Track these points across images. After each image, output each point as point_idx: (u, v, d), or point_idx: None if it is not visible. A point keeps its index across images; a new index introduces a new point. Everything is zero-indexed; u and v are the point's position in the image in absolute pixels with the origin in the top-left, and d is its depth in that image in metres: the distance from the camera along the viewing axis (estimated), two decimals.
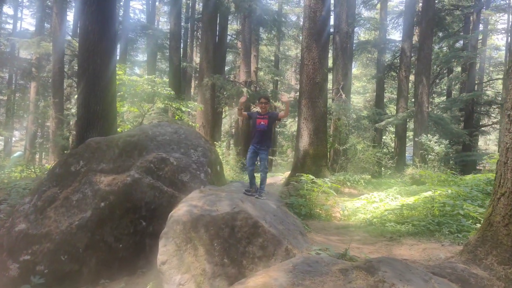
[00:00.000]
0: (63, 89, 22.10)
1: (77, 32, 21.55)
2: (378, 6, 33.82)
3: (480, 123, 34.73)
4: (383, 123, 23.74)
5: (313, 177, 9.12)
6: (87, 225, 5.19)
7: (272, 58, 37.88)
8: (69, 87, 27.23)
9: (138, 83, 12.35)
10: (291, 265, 3.54)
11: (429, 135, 20.85)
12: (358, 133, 18.03)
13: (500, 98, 34.32)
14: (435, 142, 20.11)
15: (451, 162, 24.14)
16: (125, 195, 5.41)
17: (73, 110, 21.51)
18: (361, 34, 38.62)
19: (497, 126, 34.23)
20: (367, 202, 8.81)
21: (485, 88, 36.09)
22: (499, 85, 39.53)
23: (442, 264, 3.46)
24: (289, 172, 15.27)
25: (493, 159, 14.81)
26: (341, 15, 20.12)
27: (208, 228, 4.22)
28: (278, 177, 15.91)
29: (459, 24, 33.04)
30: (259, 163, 5.74)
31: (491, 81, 38.84)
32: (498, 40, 42.22)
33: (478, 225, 5.98)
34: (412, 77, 29.09)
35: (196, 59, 40.72)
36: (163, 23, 45.82)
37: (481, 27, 31.70)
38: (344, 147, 15.04)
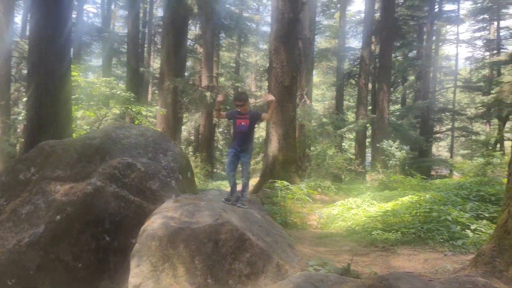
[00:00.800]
0: (10, 92, 20.51)
1: (25, 34, 20.15)
2: (337, 15, 34.34)
3: (434, 130, 35.84)
4: (344, 129, 23.84)
5: (288, 183, 8.68)
6: (39, 242, 4.43)
7: (233, 64, 37.44)
8: (17, 92, 25.46)
9: (95, 85, 11.47)
10: (291, 286, 3.01)
11: (390, 141, 21.09)
12: (322, 139, 17.83)
13: (451, 106, 35.72)
14: (396, 148, 20.35)
15: (406, 167, 24.50)
16: (86, 206, 4.69)
17: (22, 116, 20.00)
18: (321, 42, 39.04)
19: (449, 133, 35.60)
20: (344, 209, 8.45)
21: (437, 96, 37.35)
22: (450, 94, 41.07)
23: (459, 279, 3.06)
24: (256, 179, 14.79)
25: (459, 164, 15.03)
26: (304, 21, 19.99)
27: (188, 244, 3.62)
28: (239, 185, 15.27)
29: (413, 34, 34.04)
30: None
31: (442, 90, 40.29)
32: (448, 50, 44.05)
33: (468, 232, 5.73)
34: (370, 85, 29.59)
35: (154, 64, 39.68)
36: (119, 28, 44.28)
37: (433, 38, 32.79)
38: (314, 153, 14.75)
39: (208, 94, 16.82)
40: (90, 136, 5.29)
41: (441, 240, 5.42)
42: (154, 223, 3.78)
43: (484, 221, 6.21)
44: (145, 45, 34.78)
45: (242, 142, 5.05)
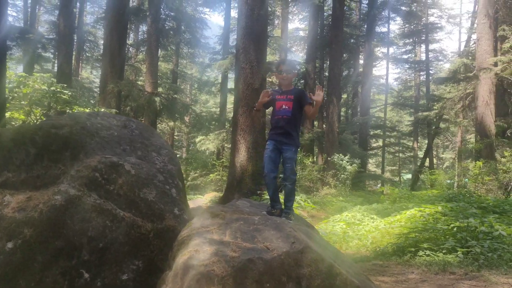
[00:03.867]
0: None
1: None
2: (276, 32, 34.23)
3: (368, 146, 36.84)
4: None
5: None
6: None
7: (169, 75, 35.62)
8: None
9: (29, 80, 9.38)
10: None
11: (340, 154, 20.71)
12: None
13: (382, 123, 37.15)
14: (347, 162, 20.00)
15: (347, 182, 24.22)
16: (53, 227, 3.05)
17: None
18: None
19: (381, 149, 37.09)
20: (345, 225, 7.28)
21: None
22: (379, 113, 42.65)
23: None
24: (212, 194, 13.33)
25: (434, 176, 14.69)
26: None
27: (262, 286, 2.19)
28: (197, 200, 13.65)
29: (347, 53, 35.05)
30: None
31: (374, 108, 41.81)
32: (376, 71, 46.08)
33: None
34: None
35: (83, 74, 36.78)
36: (44, 32, 40.55)
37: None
38: None
39: (158, 99, 15.07)
40: (56, 123, 3.60)
41: None
42: (199, 253, 2.28)
43: None
44: (74, 52, 31.91)
45: (285, 131, 3.70)
